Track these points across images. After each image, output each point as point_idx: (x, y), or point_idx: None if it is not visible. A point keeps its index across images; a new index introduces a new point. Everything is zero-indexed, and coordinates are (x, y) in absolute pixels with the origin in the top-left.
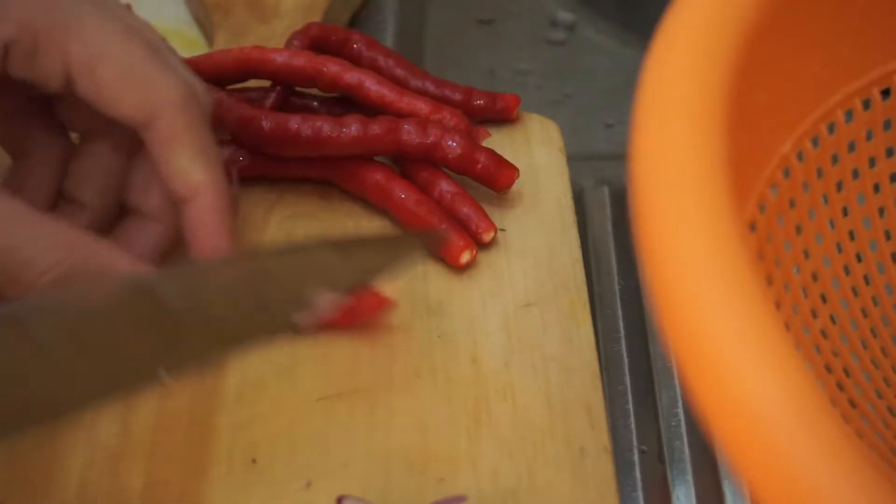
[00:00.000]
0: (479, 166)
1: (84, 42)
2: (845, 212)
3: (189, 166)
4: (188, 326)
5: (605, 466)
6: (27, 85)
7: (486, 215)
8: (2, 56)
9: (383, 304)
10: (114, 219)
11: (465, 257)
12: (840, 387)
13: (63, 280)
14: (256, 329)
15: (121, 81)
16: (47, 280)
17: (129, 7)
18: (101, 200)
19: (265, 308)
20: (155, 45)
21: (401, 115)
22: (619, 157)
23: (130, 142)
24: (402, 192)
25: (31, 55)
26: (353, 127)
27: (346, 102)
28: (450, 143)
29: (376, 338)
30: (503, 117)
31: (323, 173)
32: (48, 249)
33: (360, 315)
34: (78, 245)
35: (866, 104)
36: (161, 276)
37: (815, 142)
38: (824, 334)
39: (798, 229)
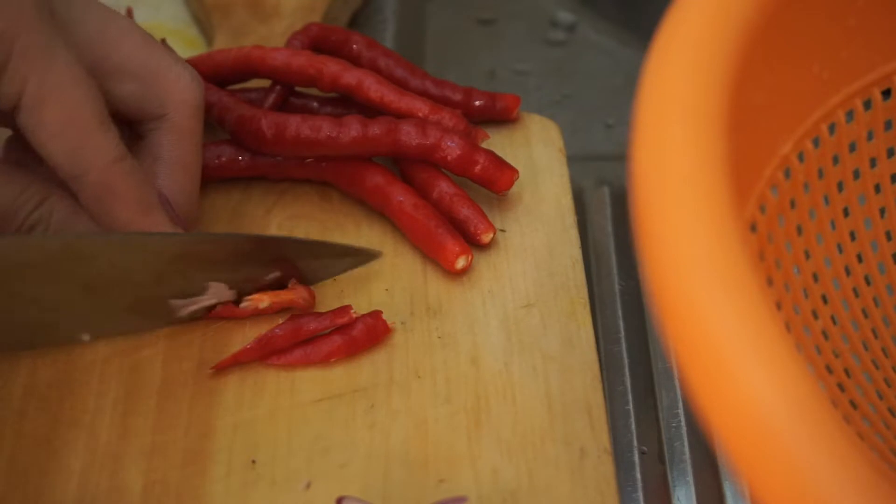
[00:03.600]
0: (479, 167)
1: (42, 78)
2: (846, 212)
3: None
4: (111, 287)
5: (605, 467)
6: None
7: (484, 217)
8: None
9: (384, 333)
10: None
11: (460, 263)
12: (841, 388)
13: (34, 227)
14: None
15: (59, 134)
16: (26, 225)
17: (129, 11)
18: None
19: (181, 287)
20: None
21: (400, 116)
22: (619, 157)
23: None
24: (400, 196)
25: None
26: (352, 127)
27: (346, 103)
28: (449, 143)
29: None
30: (503, 118)
31: (322, 175)
32: (23, 199)
33: (361, 343)
34: (47, 198)
35: (867, 104)
36: (93, 238)
37: (815, 142)
38: (825, 335)
39: (799, 230)
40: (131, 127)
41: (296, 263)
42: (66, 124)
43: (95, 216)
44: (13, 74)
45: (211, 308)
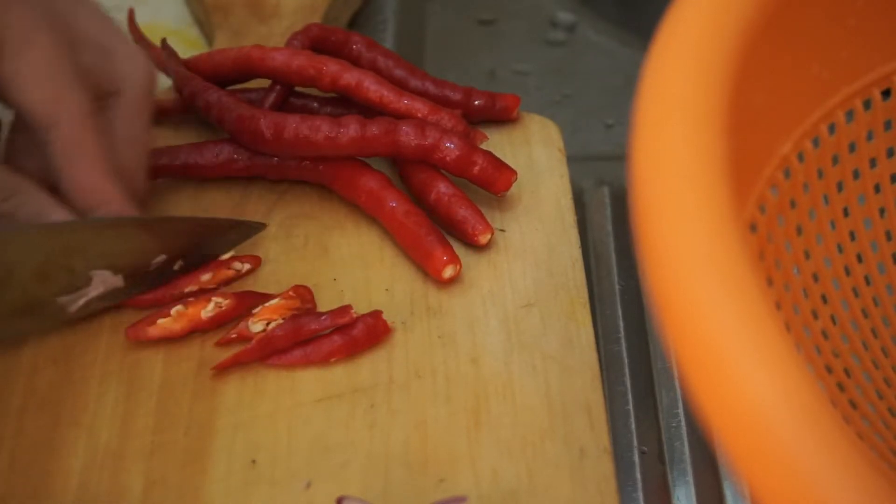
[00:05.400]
0: (477, 168)
1: (24, 27)
2: (846, 212)
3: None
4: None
5: (605, 467)
6: None
7: (482, 217)
8: None
9: (384, 333)
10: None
11: (447, 272)
12: (841, 387)
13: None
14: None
15: (37, 81)
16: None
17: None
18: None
19: (66, 281)
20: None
21: (399, 116)
22: (619, 157)
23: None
24: (392, 202)
25: None
26: (351, 127)
27: (346, 103)
28: (448, 144)
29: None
30: (503, 117)
31: (318, 177)
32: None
33: (361, 343)
34: (17, 194)
35: (867, 104)
36: None
37: (815, 142)
38: (825, 335)
39: (798, 230)
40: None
41: (180, 245)
42: (45, 72)
43: (62, 172)
44: None
45: (101, 299)
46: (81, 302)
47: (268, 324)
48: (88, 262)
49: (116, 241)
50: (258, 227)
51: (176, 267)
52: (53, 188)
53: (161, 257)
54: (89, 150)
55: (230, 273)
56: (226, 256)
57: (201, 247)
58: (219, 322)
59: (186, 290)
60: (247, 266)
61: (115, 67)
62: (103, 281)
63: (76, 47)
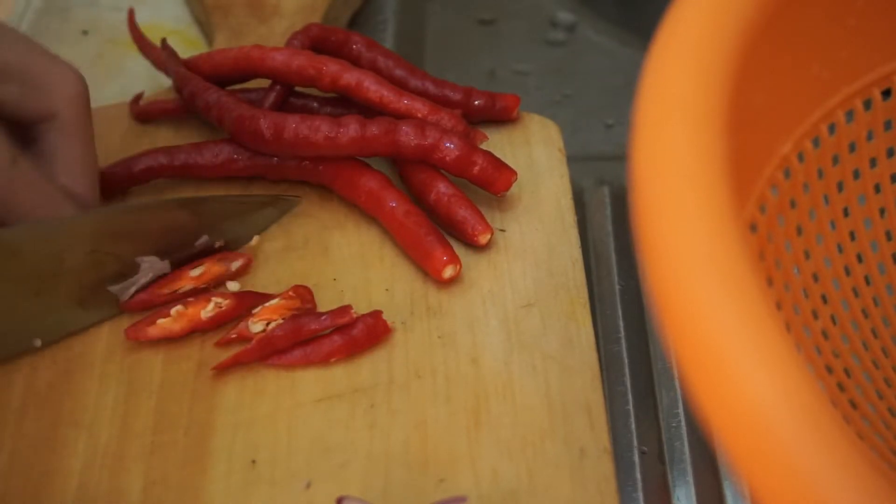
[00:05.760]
0: (477, 168)
1: None
2: (846, 212)
3: None
4: (47, 281)
5: (605, 467)
6: None
7: (482, 218)
8: None
9: (384, 332)
10: None
11: (447, 272)
12: (841, 388)
13: None
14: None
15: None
16: None
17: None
18: None
19: (115, 269)
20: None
21: (399, 116)
22: (619, 157)
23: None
24: (392, 202)
25: None
26: (350, 127)
27: (346, 103)
28: (447, 144)
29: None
30: (503, 117)
31: (318, 177)
32: None
33: (361, 343)
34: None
35: (867, 104)
36: (10, 231)
37: (815, 142)
38: (825, 335)
39: (799, 230)
40: (22, 131)
41: (221, 224)
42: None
43: (4, 220)
44: None
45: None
46: (132, 290)
47: (268, 324)
48: (135, 247)
49: (159, 225)
50: (295, 202)
51: (217, 245)
52: None
53: (204, 238)
54: (22, 194)
55: (221, 270)
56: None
57: (241, 225)
58: (219, 322)
59: (180, 289)
60: (238, 263)
61: (44, 91)
62: (151, 266)
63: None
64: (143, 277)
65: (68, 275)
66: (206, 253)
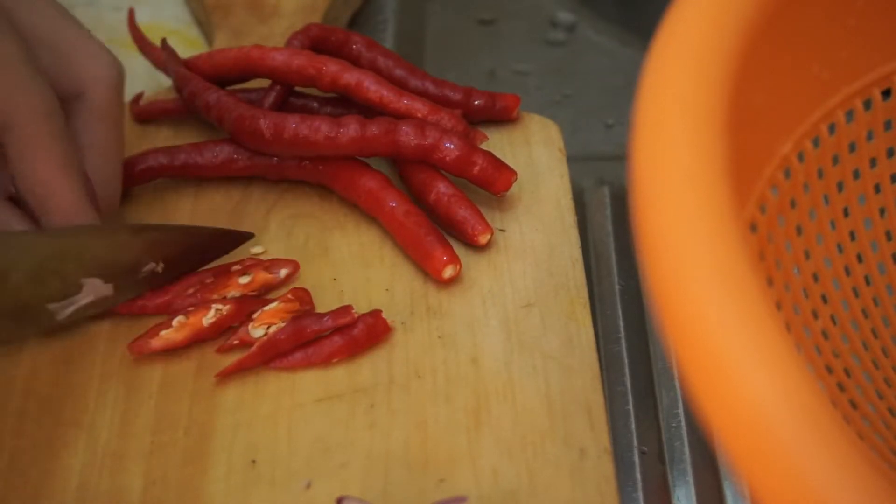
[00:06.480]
0: (477, 168)
1: None
2: (846, 212)
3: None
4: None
5: (605, 467)
6: None
7: (482, 218)
8: None
9: (384, 332)
10: None
11: (447, 272)
12: (841, 388)
13: None
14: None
15: None
16: None
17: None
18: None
19: (57, 287)
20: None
21: (399, 116)
22: (619, 157)
23: None
24: (392, 202)
25: None
26: (350, 127)
27: (346, 103)
28: (447, 144)
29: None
30: (503, 117)
31: (318, 177)
32: None
33: (362, 343)
34: None
35: (867, 104)
36: None
37: (815, 142)
38: (825, 335)
39: (799, 230)
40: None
41: (173, 252)
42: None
43: (17, 172)
44: None
45: (90, 307)
46: (71, 309)
47: (268, 328)
48: (81, 269)
49: (109, 249)
50: (247, 237)
51: (160, 270)
52: (18, 201)
53: (150, 265)
54: (45, 145)
55: (269, 277)
56: (256, 251)
57: (191, 255)
58: (219, 328)
59: (228, 295)
60: (285, 271)
61: (75, 68)
62: (94, 289)
63: (30, 47)
64: (84, 298)
65: (9, 289)
66: (151, 280)
